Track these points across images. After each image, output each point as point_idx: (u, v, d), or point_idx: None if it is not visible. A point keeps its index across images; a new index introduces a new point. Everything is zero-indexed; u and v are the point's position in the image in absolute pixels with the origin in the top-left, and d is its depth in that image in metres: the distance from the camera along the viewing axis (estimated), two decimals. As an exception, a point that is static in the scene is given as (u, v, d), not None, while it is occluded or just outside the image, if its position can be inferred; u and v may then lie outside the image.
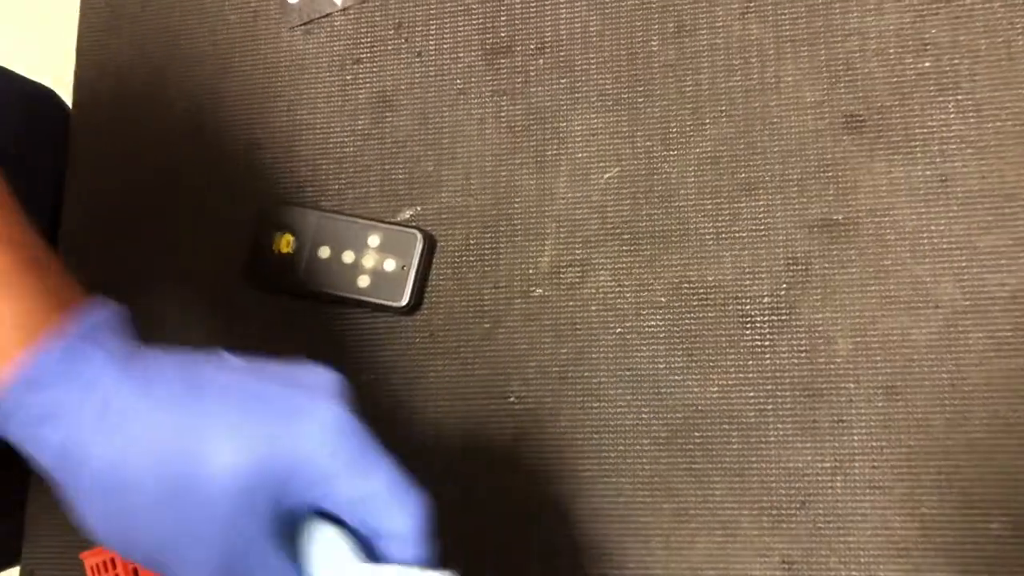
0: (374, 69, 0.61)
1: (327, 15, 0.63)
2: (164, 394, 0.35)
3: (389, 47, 0.61)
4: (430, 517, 0.38)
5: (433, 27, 0.61)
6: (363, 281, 0.57)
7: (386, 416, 0.57)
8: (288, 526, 0.36)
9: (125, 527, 0.35)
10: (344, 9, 0.62)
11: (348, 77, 0.62)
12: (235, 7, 0.64)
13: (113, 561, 0.51)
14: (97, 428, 0.34)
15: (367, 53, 0.62)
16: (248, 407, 0.35)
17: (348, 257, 0.57)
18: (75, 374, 0.34)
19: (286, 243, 0.58)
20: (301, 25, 0.63)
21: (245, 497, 0.34)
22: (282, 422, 0.35)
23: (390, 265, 0.57)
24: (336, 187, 0.61)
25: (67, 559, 0.59)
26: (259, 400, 0.35)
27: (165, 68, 0.65)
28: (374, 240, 0.57)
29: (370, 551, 0.38)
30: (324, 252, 0.58)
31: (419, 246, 0.57)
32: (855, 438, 0.50)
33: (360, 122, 0.61)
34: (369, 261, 0.57)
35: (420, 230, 0.57)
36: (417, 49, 0.61)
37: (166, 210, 0.63)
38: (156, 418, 0.34)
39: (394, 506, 0.37)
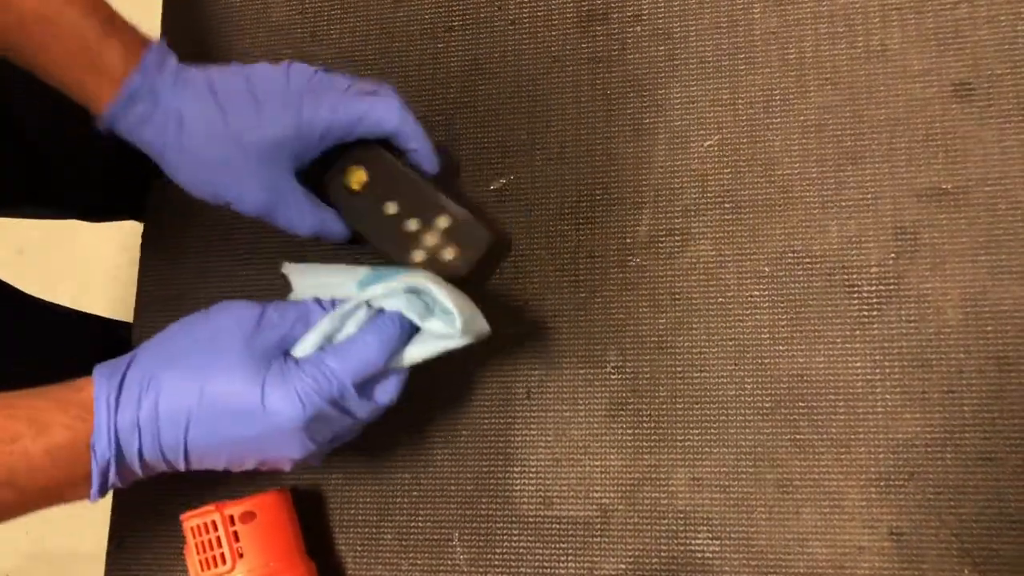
0: (467, 37, 0.61)
1: (417, -17, 0.62)
2: (213, 97, 0.51)
3: (482, 15, 0.61)
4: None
5: (527, -5, 0.60)
6: (417, 256, 0.52)
7: (480, 384, 0.57)
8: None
9: (208, 181, 0.51)
10: (435, -23, 0.62)
11: (440, 45, 0.61)
12: (324, -25, 0.64)
13: (215, 522, 0.51)
14: (176, 127, 0.50)
15: (459, 21, 0.61)
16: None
17: (412, 225, 0.52)
18: (156, 90, 0.50)
19: (357, 181, 0.54)
20: (391, -7, 0.63)
21: (277, 151, 0.51)
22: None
23: (448, 255, 0.51)
24: (427, 155, 0.60)
25: (155, 526, 0.60)
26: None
27: (253, 35, 0.65)
28: (443, 222, 0.51)
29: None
30: (391, 208, 0.53)
31: (479, 251, 0.51)
32: (966, 409, 0.50)
33: (452, 91, 0.61)
34: (430, 240, 0.52)
35: (495, 233, 0.51)
36: (511, 17, 0.60)
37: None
38: (210, 114, 0.50)
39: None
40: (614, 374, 0.55)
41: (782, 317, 0.53)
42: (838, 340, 0.52)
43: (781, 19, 0.56)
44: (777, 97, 0.55)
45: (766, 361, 0.52)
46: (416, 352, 0.48)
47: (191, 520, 0.52)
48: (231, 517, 0.51)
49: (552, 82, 0.59)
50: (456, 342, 0.47)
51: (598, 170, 0.57)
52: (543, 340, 0.56)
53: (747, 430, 0.52)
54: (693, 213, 0.55)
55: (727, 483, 0.52)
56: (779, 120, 0.55)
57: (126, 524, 0.60)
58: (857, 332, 0.52)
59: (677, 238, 0.55)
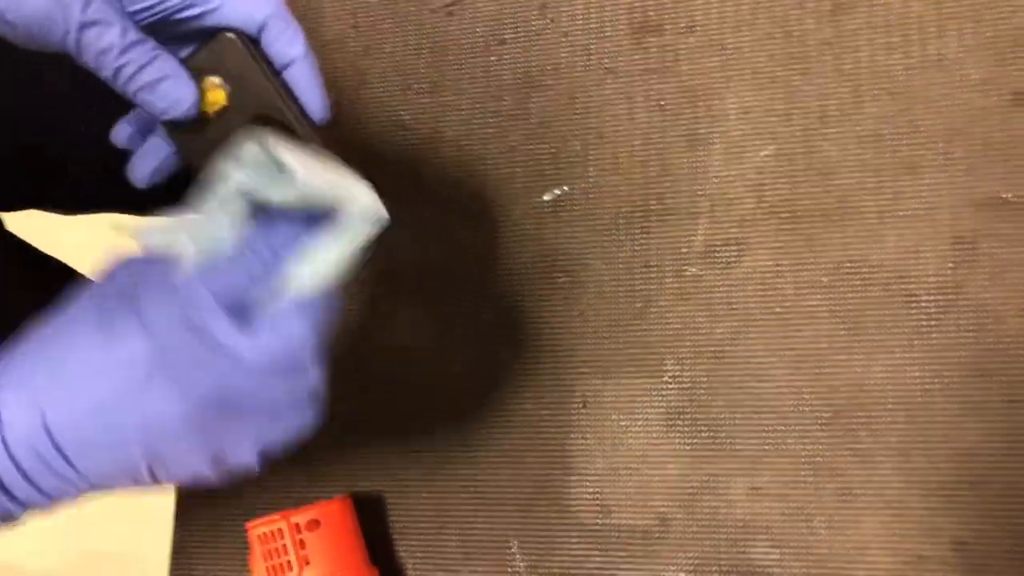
0: (518, 50, 0.62)
1: (470, -4, 0.63)
2: None
3: (533, 27, 0.62)
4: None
5: (579, 7, 0.61)
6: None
7: (536, 393, 0.57)
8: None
9: None
10: (487, -10, 0.63)
11: (492, 58, 0.62)
12: (376, -11, 0.65)
13: (281, 530, 0.52)
14: None
15: (511, 34, 0.62)
16: None
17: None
18: None
19: (212, 101, 0.41)
20: (444, 7, 0.63)
21: None
22: None
23: None
24: (481, 168, 0.61)
25: (217, 534, 0.61)
26: None
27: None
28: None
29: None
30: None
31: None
32: (1028, 419, 0.50)
33: (505, 102, 0.61)
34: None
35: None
36: (563, 29, 0.61)
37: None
38: None
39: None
40: (671, 383, 0.55)
41: (840, 327, 0.53)
42: (896, 350, 0.52)
43: (836, 29, 0.56)
44: (833, 107, 0.55)
45: (824, 371, 0.53)
46: (309, 266, 0.37)
47: (258, 528, 0.53)
48: (297, 525, 0.52)
49: (605, 93, 0.60)
50: (346, 234, 0.37)
51: (653, 180, 0.58)
52: (599, 350, 0.57)
53: (806, 439, 0.53)
54: (750, 223, 0.55)
55: (786, 492, 0.52)
56: (835, 130, 0.55)
57: (189, 531, 0.61)
58: (916, 342, 0.52)
59: (733, 248, 0.55)
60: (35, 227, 0.73)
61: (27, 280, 0.63)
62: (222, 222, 0.37)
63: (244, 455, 0.36)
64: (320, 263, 0.37)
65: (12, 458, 0.35)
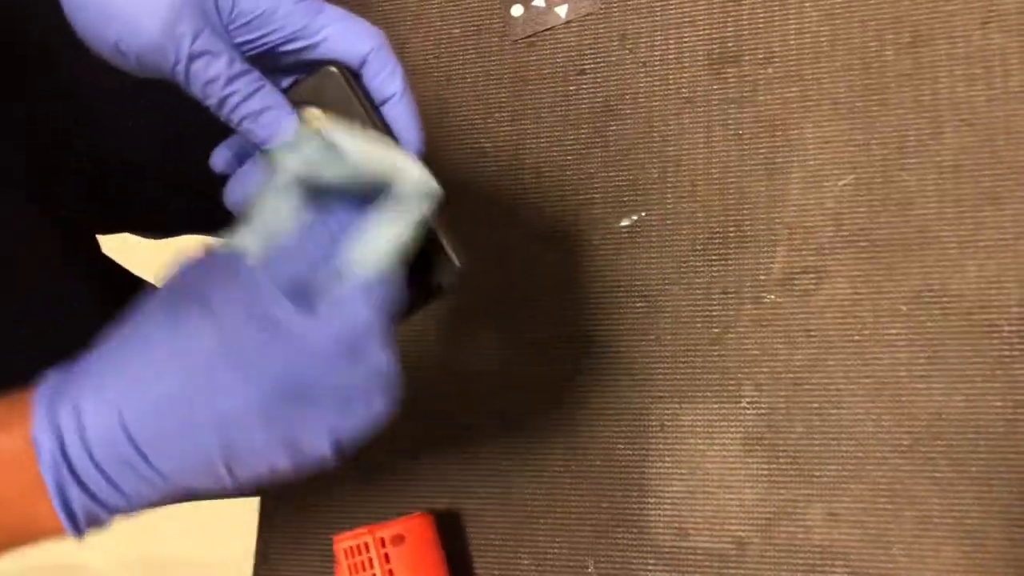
0: (598, 79, 0.63)
1: (550, 28, 0.65)
2: None
3: (613, 58, 0.63)
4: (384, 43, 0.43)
5: (658, 38, 0.62)
6: None
7: (614, 416, 0.58)
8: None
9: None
10: (568, 22, 0.64)
11: (571, 88, 0.64)
12: (458, 21, 0.67)
13: (367, 544, 0.54)
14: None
15: (590, 64, 0.64)
16: None
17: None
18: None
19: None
20: (524, 38, 0.65)
21: None
22: None
23: None
24: (560, 194, 0.63)
25: (299, 544, 0.63)
26: None
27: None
28: None
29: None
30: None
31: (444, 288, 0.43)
32: (1113, 451, 0.50)
33: (583, 131, 0.63)
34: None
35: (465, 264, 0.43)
36: (642, 59, 0.62)
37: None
38: None
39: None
40: (749, 409, 0.56)
41: (919, 355, 0.53)
42: (977, 379, 0.52)
43: (915, 61, 0.56)
44: (911, 138, 0.56)
45: (904, 399, 0.53)
46: (368, 247, 0.38)
47: (345, 542, 0.54)
48: (382, 540, 0.54)
49: (683, 122, 0.61)
50: (402, 212, 0.38)
51: (731, 208, 0.59)
52: (676, 374, 0.58)
53: (884, 467, 0.53)
54: (828, 251, 0.56)
55: (864, 519, 0.53)
56: (914, 160, 0.55)
57: (272, 542, 0.63)
58: (998, 371, 0.52)
59: (812, 276, 0.56)
60: (130, 251, 0.77)
61: (121, 302, 0.66)
62: (281, 212, 0.39)
63: (319, 444, 0.36)
64: (379, 243, 0.38)
65: (93, 460, 0.35)
